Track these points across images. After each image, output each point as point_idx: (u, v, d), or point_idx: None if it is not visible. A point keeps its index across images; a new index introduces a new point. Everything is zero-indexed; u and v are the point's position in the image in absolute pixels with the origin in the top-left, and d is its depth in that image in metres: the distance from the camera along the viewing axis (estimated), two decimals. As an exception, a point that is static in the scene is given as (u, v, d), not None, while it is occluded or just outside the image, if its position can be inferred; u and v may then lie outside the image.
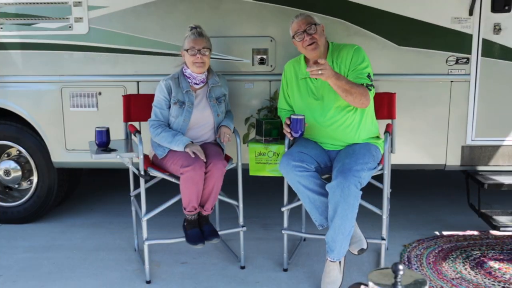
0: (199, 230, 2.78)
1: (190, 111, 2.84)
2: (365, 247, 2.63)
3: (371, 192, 2.85)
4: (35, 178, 3.60)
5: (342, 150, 2.74)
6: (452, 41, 3.13)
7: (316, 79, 2.73)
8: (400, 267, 1.22)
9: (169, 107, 2.86)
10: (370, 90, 2.62)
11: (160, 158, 2.82)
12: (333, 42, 2.81)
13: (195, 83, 2.88)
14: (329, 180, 2.63)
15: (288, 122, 2.63)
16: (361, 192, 2.51)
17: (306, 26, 2.67)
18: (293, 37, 2.73)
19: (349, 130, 2.73)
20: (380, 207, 2.72)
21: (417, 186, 4.51)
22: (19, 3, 3.30)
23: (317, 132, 2.78)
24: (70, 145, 3.44)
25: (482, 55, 3.15)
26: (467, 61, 3.16)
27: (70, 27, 3.30)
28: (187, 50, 2.81)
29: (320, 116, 2.73)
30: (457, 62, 3.17)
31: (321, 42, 2.70)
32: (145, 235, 2.76)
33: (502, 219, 3.07)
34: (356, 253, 2.63)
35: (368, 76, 2.65)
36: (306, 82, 2.78)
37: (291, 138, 2.69)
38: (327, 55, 2.74)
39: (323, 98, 2.71)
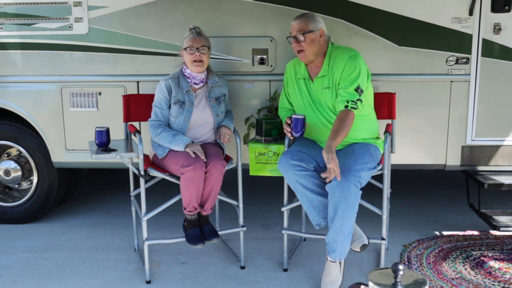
0: (199, 230, 2.78)
1: (190, 111, 2.84)
2: (366, 242, 2.64)
3: (371, 192, 2.85)
4: (35, 178, 3.60)
5: (342, 150, 2.74)
6: (452, 41, 3.14)
7: (312, 81, 2.74)
8: (400, 267, 1.22)
9: (169, 107, 2.86)
10: (355, 109, 2.55)
11: (160, 158, 2.82)
12: (333, 43, 2.77)
13: (195, 83, 2.88)
14: (329, 180, 2.63)
15: (289, 122, 2.63)
16: (361, 192, 2.51)
17: (297, 32, 2.66)
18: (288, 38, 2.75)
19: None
20: (380, 207, 2.71)
21: (417, 186, 4.51)
22: (19, 3, 3.30)
23: (316, 132, 2.77)
24: (70, 145, 3.44)
25: (482, 55, 3.15)
26: (467, 61, 3.16)
27: (70, 27, 3.30)
28: (185, 49, 2.82)
29: (319, 116, 2.73)
30: (457, 62, 3.17)
31: (310, 51, 2.65)
32: (145, 235, 2.77)
33: (502, 219, 3.07)
34: (359, 250, 2.63)
35: (357, 89, 2.58)
36: (304, 82, 2.78)
37: (292, 138, 2.69)
38: (325, 58, 2.72)
39: (319, 99, 2.71)
